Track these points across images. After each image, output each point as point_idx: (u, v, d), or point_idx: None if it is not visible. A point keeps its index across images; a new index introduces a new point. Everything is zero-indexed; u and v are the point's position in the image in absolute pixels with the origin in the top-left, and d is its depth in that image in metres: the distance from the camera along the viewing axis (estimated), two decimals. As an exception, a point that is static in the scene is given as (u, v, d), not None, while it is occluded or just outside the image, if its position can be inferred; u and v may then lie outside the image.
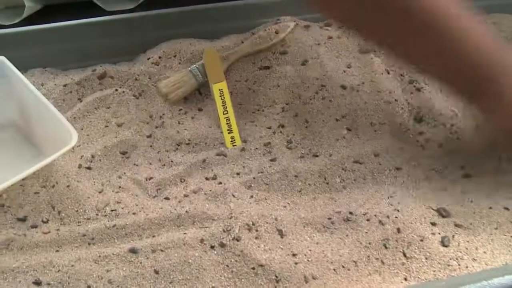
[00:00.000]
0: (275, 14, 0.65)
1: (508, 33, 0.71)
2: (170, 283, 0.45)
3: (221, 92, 0.57)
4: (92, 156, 0.55)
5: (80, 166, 0.54)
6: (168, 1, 0.68)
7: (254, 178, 0.52)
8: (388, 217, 0.50)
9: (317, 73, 0.61)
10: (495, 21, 0.73)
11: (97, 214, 0.50)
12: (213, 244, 0.47)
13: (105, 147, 0.55)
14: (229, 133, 0.56)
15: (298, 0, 0.66)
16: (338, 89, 0.60)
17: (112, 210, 0.50)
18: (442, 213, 0.52)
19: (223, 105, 0.57)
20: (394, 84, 0.62)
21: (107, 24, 0.64)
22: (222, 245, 0.47)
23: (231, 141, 0.56)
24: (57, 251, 0.48)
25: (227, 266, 0.46)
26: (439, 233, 0.50)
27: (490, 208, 0.53)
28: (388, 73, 0.63)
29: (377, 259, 0.48)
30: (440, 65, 0.48)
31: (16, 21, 0.67)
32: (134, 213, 0.50)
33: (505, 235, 0.51)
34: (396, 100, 0.60)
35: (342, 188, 0.53)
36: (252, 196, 0.51)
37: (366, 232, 0.49)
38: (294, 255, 0.47)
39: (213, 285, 0.45)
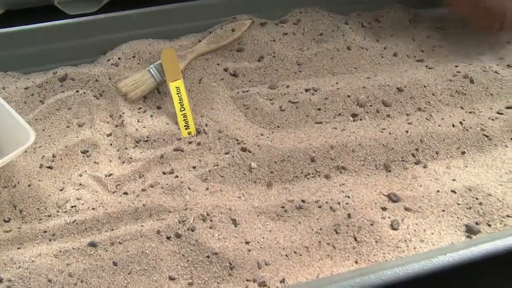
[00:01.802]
0: (232, 13, 0.67)
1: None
2: (128, 274, 0.47)
3: (178, 90, 0.59)
4: (53, 156, 0.56)
5: (41, 166, 0.55)
6: (129, 3, 0.70)
7: (209, 171, 0.54)
8: (339, 203, 0.52)
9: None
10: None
11: (57, 211, 0.51)
12: (169, 235, 0.49)
13: (66, 147, 0.57)
14: (186, 129, 0.58)
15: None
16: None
17: (72, 207, 0.52)
18: (392, 198, 0.54)
19: (180, 102, 0.59)
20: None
21: (68, 27, 0.65)
22: (178, 235, 0.49)
23: (188, 134, 0.57)
24: (18, 248, 0.49)
25: (183, 255, 0.48)
26: (389, 217, 0.52)
27: (438, 191, 0.55)
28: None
29: (328, 244, 0.50)
30: None
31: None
32: (93, 209, 0.51)
33: (452, 217, 0.54)
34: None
35: (296, 178, 0.55)
36: (207, 188, 0.53)
37: (318, 219, 0.51)
38: (247, 242, 0.49)
39: (170, 274, 0.47)
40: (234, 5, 0.68)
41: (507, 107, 0.63)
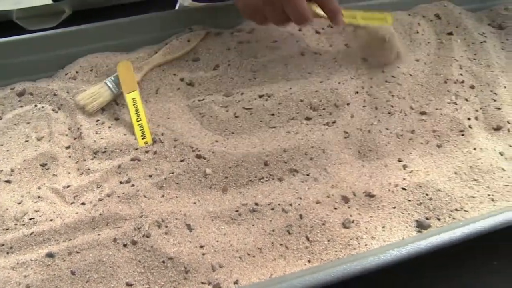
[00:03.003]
0: (188, 24, 0.69)
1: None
2: (86, 282, 0.48)
3: (134, 101, 0.60)
4: (12, 170, 0.57)
5: (-1, 180, 0.56)
6: (87, 17, 0.71)
7: (165, 179, 0.55)
8: (291, 205, 0.54)
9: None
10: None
11: (15, 224, 0.52)
12: (125, 242, 0.50)
13: (25, 161, 0.58)
14: (142, 138, 0.59)
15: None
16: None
17: (30, 219, 0.52)
18: (344, 197, 0.56)
19: (136, 113, 0.60)
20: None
21: (26, 43, 0.66)
22: (134, 242, 0.50)
23: (145, 144, 0.59)
24: (-25, 262, 0.49)
25: (139, 261, 0.49)
26: (341, 216, 0.54)
27: (389, 190, 0.57)
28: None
29: (281, 244, 0.51)
30: None
31: None
32: (51, 220, 0.52)
33: (403, 213, 0.56)
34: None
35: (250, 182, 0.56)
36: (163, 196, 0.54)
37: (271, 221, 0.53)
38: (201, 246, 0.50)
39: (127, 280, 0.48)
40: (190, 16, 0.69)
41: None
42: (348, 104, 0.64)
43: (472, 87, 0.71)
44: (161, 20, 0.68)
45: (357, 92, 0.66)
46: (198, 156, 0.57)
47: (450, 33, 0.79)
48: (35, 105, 0.63)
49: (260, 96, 0.63)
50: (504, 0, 0.86)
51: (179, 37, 0.67)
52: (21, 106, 0.63)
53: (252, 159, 0.57)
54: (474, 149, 0.63)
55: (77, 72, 0.65)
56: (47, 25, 0.75)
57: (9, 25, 0.73)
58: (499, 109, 0.69)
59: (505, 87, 0.72)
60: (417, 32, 0.77)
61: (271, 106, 0.62)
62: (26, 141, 0.60)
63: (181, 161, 0.57)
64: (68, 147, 0.60)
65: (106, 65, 0.65)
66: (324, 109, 0.63)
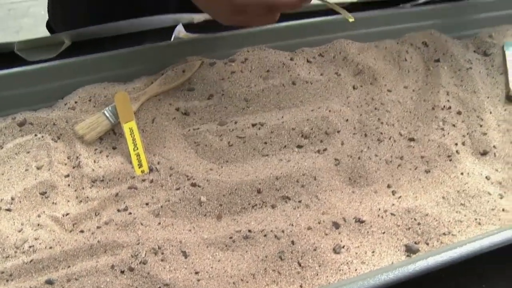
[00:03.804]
0: (183, 55, 0.71)
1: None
2: (84, 309, 0.49)
3: (131, 131, 0.62)
4: (12, 198, 0.58)
5: (0, 208, 0.57)
6: (85, 48, 0.74)
7: (161, 206, 0.57)
8: (283, 231, 0.55)
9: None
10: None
11: (15, 252, 0.54)
12: (122, 269, 0.51)
13: (25, 189, 0.59)
14: (139, 167, 0.61)
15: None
16: (242, 119, 0.66)
17: (30, 247, 0.54)
18: (335, 223, 0.58)
19: (133, 142, 0.62)
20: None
21: (27, 74, 0.68)
22: (131, 269, 0.51)
23: (141, 172, 0.61)
24: (-25, 291, 0.51)
25: (136, 288, 0.50)
26: (332, 242, 0.56)
27: (379, 215, 0.59)
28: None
29: (273, 270, 0.53)
30: None
31: None
32: (51, 247, 0.54)
33: (392, 238, 0.57)
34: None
35: (244, 209, 0.58)
36: (159, 223, 0.56)
37: (263, 247, 0.54)
38: (196, 273, 0.52)
39: (124, 306, 0.49)
40: (184, 47, 0.72)
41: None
42: (338, 131, 0.66)
43: (459, 113, 0.73)
44: (157, 52, 0.71)
45: (347, 120, 0.68)
46: (193, 185, 0.59)
47: (438, 60, 0.81)
48: (35, 135, 0.65)
49: (253, 125, 0.65)
50: (488, 27, 0.89)
51: (174, 67, 0.69)
52: (22, 136, 0.65)
53: (245, 186, 0.59)
54: (461, 174, 0.65)
55: (76, 102, 0.67)
56: (47, 56, 0.77)
57: (11, 57, 0.75)
58: (485, 134, 0.71)
59: (490, 112, 0.75)
60: (406, 60, 0.80)
61: (264, 135, 0.64)
62: (26, 170, 0.62)
63: (177, 189, 0.59)
64: (67, 176, 0.62)
65: (104, 95, 0.67)
66: (315, 136, 0.65)
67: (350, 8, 0.83)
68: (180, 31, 0.73)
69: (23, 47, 0.78)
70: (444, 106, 0.73)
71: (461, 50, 0.85)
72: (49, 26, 1.06)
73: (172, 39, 0.73)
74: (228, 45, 0.73)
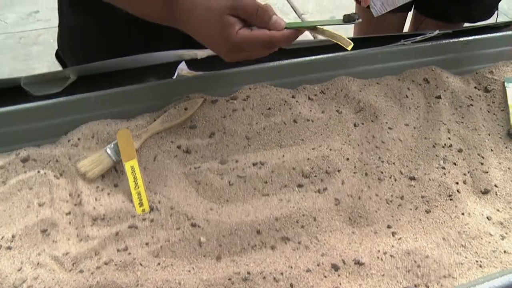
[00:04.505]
0: (185, 92, 0.72)
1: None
2: None
3: (133, 169, 0.63)
4: (13, 236, 0.59)
5: (0, 246, 0.58)
6: (90, 83, 0.75)
7: (161, 247, 0.57)
8: (282, 274, 0.55)
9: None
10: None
11: (14, 292, 0.54)
12: (121, 312, 0.51)
13: (26, 227, 0.60)
14: (140, 206, 0.61)
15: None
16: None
17: (28, 287, 0.54)
18: (334, 265, 0.58)
19: (134, 181, 0.62)
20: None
21: (32, 110, 0.69)
22: (129, 312, 0.51)
23: (142, 212, 0.61)
24: (-26, 330, 0.51)
25: (134, 331, 0.50)
26: (331, 285, 0.56)
27: (378, 257, 0.59)
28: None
29: (272, 314, 0.53)
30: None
31: None
32: (49, 287, 0.54)
33: (391, 280, 0.57)
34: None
35: (243, 250, 0.58)
36: (159, 264, 0.56)
37: (262, 289, 0.54)
38: (195, 316, 0.51)
39: None
40: (187, 84, 0.73)
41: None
42: (339, 170, 0.67)
43: (460, 150, 0.73)
44: (159, 89, 0.72)
45: (348, 159, 0.68)
46: (193, 225, 0.59)
47: (439, 97, 0.82)
48: (38, 171, 0.65)
49: (254, 164, 0.66)
50: (489, 63, 0.89)
51: (176, 105, 0.70)
52: (25, 172, 0.66)
53: (245, 227, 0.59)
54: (462, 214, 0.65)
55: (79, 139, 0.68)
56: (52, 91, 0.78)
57: (18, 91, 0.76)
58: (487, 172, 0.71)
59: (491, 150, 0.75)
60: (407, 97, 0.80)
61: (264, 174, 0.65)
62: (28, 206, 0.62)
63: (177, 229, 0.59)
64: (68, 213, 0.62)
65: (107, 132, 0.68)
66: (315, 176, 0.66)
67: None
68: (182, 69, 0.74)
69: (29, 82, 0.79)
70: (445, 144, 0.73)
71: (462, 86, 0.86)
72: (58, 55, 1.07)
73: (174, 76, 0.74)
74: (230, 82, 0.74)
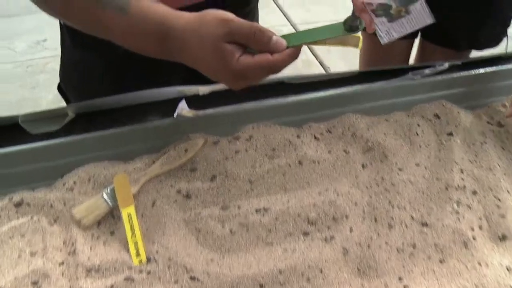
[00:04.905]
0: (185, 132, 0.69)
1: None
2: None
3: (130, 216, 0.60)
4: (2, 289, 0.56)
5: (-12, 301, 0.55)
6: (88, 121, 0.73)
7: (158, 302, 0.54)
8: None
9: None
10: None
11: None
12: None
13: (16, 278, 0.57)
14: (137, 256, 0.58)
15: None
16: (245, 202, 0.63)
17: None
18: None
19: (131, 230, 0.59)
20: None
21: (27, 152, 0.67)
22: None
23: (139, 262, 0.58)
24: None
25: None
26: None
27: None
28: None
29: None
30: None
31: None
32: None
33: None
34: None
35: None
36: (155, 322, 0.52)
37: None
38: None
39: None
40: (187, 124, 0.70)
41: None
42: (346, 216, 0.63)
43: (474, 192, 0.70)
44: (159, 129, 0.69)
45: (356, 204, 0.65)
46: (192, 278, 0.56)
47: (450, 133, 0.78)
48: (31, 217, 0.63)
49: (257, 211, 0.62)
50: (501, 96, 0.86)
51: (176, 146, 0.67)
52: (18, 218, 0.63)
53: (247, 281, 0.56)
54: (479, 264, 0.61)
55: (74, 182, 0.65)
56: (50, 129, 0.76)
57: (15, 128, 0.73)
58: (504, 216, 0.67)
59: (508, 191, 0.71)
60: (417, 134, 0.77)
61: (268, 222, 0.61)
62: (19, 256, 0.59)
63: (175, 282, 0.56)
64: (61, 263, 0.59)
65: (103, 176, 0.65)
66: (322, 223, 0.62)
67: (355, 79, 0.81)
68: (183, 109, 0.71)
69: (27, 119, 0.77)
70: (458, 186, 0.69)
71: (474, 121, 0.82)
72: (60, 88, 1.05)
73: (175, 115, 0.72)
74: (232, 121, 0.71)
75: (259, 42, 0.55)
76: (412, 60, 1.35)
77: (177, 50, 0.58)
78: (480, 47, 1.21)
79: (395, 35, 0.78)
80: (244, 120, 0.72)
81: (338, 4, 3.62)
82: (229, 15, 0.55)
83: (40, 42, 2.85)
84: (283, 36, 0.56)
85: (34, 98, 2.37)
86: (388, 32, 0.78)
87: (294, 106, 0.74)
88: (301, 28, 3.32)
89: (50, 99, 2.26)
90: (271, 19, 3.35)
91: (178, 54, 0.59)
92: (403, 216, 0.65)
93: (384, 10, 0.75)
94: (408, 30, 0.78)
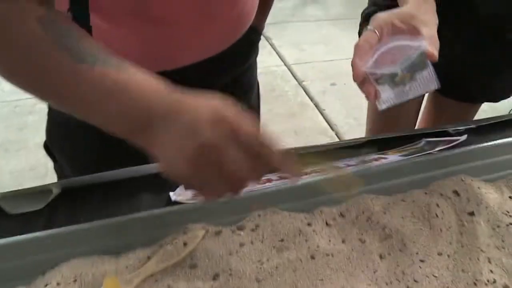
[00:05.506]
0: (184, 222, 0.62)
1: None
2: None
3: (120, 329, 0.52)
4: None
5: None
6: (75, 198, 0.66)
7: None
8: None
9: (229, 290, 0.57)
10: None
11: None
12: None
13: None
14: None
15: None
16: None
17: None
18: None
19: None
20: None
21: (3, 248, 0.59)
22: None
23: None
24: None
25: None
26: None
27: None
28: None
29: None
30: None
31: None
32: None
33: None
34: None
35: None
36: None
37: None
38: None
39: None
40: (185, 213, 0.63)
41: None
42: (366, 324, 0.56)
43: (505, 287, 0.63)
44: (154, 220, 0.62)
45: (376, 308, 0.57)
46: None
47: (472, 213, 0.72)
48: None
49: (266, 320, 0.55)
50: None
51: (174, 239, 0.60)
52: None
53: None
54: None
55: (58, 283, 0.57)
56: (33, 208, 0.69)
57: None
58: (539, 316, 0.60)
59: (542, 284, 0.64)
60: (436, 216, 0.70)
61: (279, 334, 0.54)
62: None
63: None
64: None
65: (91, 274, 0.58)
66: (340, 334, 0.55)
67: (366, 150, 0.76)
68: (179, 194, 0.64)
69: (5, 197, 0.70)
70: (488, 280, 0.62)
71: (497, 197, 0.76)
72: (46, 146, 0.98)
73: (172, 200, 0.65)
74: (236, 208, 0.64)
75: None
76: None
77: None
78: (496, 100, 1.18)
79: (396, 102, 0.73)
80: (248, 207, 0.65)
81: (331, 44, 3.63)
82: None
83: (30, 82, 2.80)
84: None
85: (20, 140, 2.29)
86: (388, 99, 0.72)
87: (303, 190, 0.67)
88: (295, 68, 3.31)
89: (37, 141, 2.18)
90: (266, 59, 3.35)
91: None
92: (430, 321, 0.57)
93: (388, 78, 0.70)
94: (410, 96, 0.73)
